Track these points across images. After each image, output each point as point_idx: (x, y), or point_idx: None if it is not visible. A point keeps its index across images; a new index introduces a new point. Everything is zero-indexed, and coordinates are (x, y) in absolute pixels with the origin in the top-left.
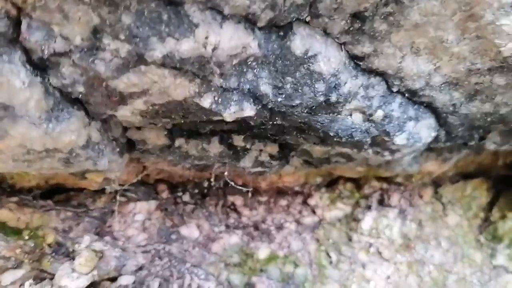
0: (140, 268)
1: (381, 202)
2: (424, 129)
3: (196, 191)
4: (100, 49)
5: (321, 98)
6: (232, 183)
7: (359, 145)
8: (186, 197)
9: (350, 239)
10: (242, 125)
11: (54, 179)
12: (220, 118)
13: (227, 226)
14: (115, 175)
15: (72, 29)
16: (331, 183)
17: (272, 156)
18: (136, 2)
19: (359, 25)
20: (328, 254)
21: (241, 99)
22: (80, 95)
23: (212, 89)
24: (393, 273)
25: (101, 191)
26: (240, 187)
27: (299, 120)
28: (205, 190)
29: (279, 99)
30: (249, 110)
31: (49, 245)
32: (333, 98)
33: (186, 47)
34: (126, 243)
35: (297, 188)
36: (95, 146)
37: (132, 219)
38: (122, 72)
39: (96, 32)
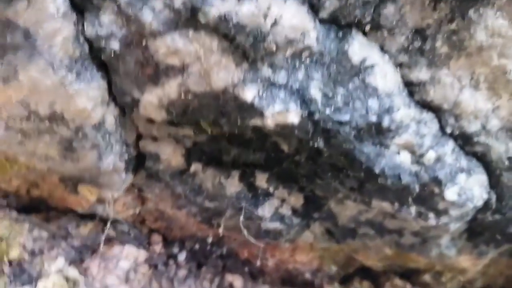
0: None
1: None
2: (477, 187)
3: (196, 248)
4: None
5: (373, 118)
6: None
7: (403, 196)
8: (181, 258)
9: None
10: (271, 156)
11: (38, 188)
12: (258, 123)
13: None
14: (113, 194)
15: None
16: (346, 279)
17: (294, 211)
18: None
19: (419, 43)
20: None
21: (288, 98)
22: (112, 55)
23: (259, 79)
24: None
25: (89, 218)
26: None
27: (343, 146)
28: (203, 257)
29: (327, 111)
30: (294, 114)
31: (10, 263)
32: (386, 122)
33: (246, 10)
34: None
35: (307, 276)
36: (106, 135)
37: (115, 264)
38: (168, 29)
39: None
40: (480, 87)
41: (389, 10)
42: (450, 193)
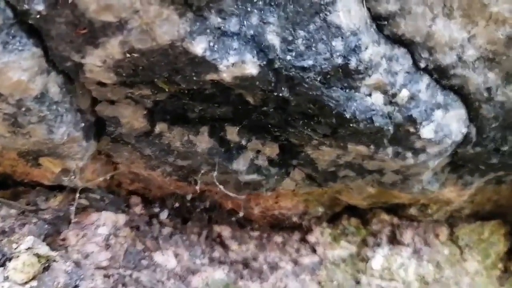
0: None
1: (392, 240)
2: (454, 122)
3: (178, 206)
4: None
5: (339, 60)
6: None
7: (378, 138)
8: (164, 216)
9: (358, 282)
10: (238, 109)
11: (0, 165)
12: (215, 77)
13: (211, 260)
14: (76, 164)
15: None
16: (334, 218)
17: (271, 161)
18: None
19: None
20: None
21: (243, 48)
22: (39, 18)
23: (208, 30)
24: None
25: (58, 189)
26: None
27: (310, 93)
28: (187, 213)
29: (288, 57)
30: (251, 64)
31: None
32: (353, 63)
33: None
34: (82, 260)
35: (295, 219)
36: (52, 106)
37: (93, 232)
38: None
39: None
40: (454, 15)
41: None
42: (426, 131)
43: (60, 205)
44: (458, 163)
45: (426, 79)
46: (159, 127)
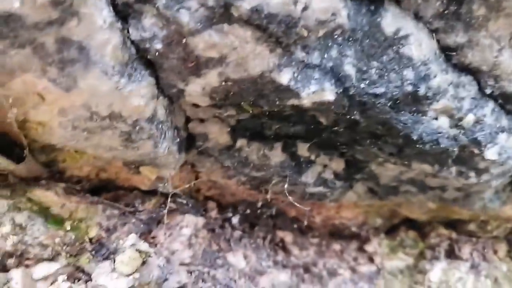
0: (182, 287)
1: (450, 254)
2: None
3: (248, 212)
4: None
5: (409, 88)
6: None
7: (442, 159)
8: (235, 221)
9: None
10: (311, 127)
11: (106, 171)
12: (296, 102)
13: (275, 263)
14: (169, 173)
15: None
16: (391, 230)
17: (336, 175)
18: None
19: (455, 7)
20: None
21: (323, 78)
22: (156, 54)
23: (293, 63)
24: None
25: (152, 194)
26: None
27: (380, 116)
28: (255, 219)
29: (362, 85)
30: (329, 92)
31: (91, 241)
32: (422, 90)
33: (276, 0)
34: (170, 257)
35: (354, 229)
36: (159, 125)
37: (178, 232)
38: (204, 27)
39: None
40: None
41: None
42: (490, 153)
43: (154, 208)
44: None
45: (491, 104)
46: (240, 142)
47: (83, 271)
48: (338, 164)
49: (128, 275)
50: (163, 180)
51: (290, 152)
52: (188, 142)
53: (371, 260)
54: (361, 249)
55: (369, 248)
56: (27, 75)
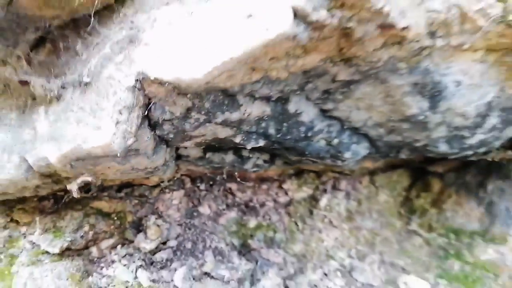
0: (178, 236)
1: (333, 187)
2: (362, 149)
3: (210, 182)
4: (188, 118)
5: (302, 134)
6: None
7: (322, 158)
8: (202, 186)
9: (311, 213)
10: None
11: (128, 179)
12: (242, 147)
13: (227, 205)
14: (167, 176)
15: (176, 108)
16: (299, 173)
17: (265, 161)
18: (212, 96)
19: (327, 95)
20: (296, 224)
21: (258, 137)
22: (170, 138)
23: (242, 132)
24: (340, 235)
25: (155, 186)
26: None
27: (288, 145)
28: (213, 181)
29: (279, 135)
30: (261, 142)
31: (128, 223)
32: (309, 134)
33: (235, 116)
34: (168, 219)
35: (275, 177)
36: (167, 163)
37: (170, 203)
38: (197, 127)
39: (188, 110)
40: (361, 109)
41: (313, 84)
42: (347, 155)
43: (157, 195)
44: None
45: (347, 132)
46: (208, 154)
47: (128, 239)
48: (266, 156)
49: (155, 240)
50: (162, 179)
51: (237, 154)
52: (177, 157)
53: (286, 193)
54: (280, 187)
55: (285, 186)
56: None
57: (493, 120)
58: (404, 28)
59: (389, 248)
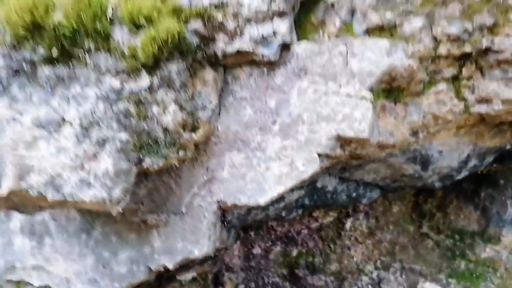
0: (243, 279)
1: (354, 209)
2: (375, 194)
3: (257, 227)
4: (250, 214)
5: (329, 198)
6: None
7: (345, 207)
8: (251, 232)
9: (339, 234)
10: None
11: None
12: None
13: (272, 241)
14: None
15: (239, 212)
16: None
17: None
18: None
19: (343, 171)
20: (329, 246)
21: (297, 209)
22: (236, 225)
23: (285, 209)
24: (365, 250)
25: None
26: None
27: (319, 205)
28: (259, 226)
29: (312, 203)
30: (299, 212)
31: (209, 279)
32: (334, 196)
33: (281, 205)
34: (235, 268)
35: None
36: (234, 238)
37: (233, 253)
38: (255, 217)
39: (249, 211)
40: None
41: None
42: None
43: None
44: None
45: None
46: None
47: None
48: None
49: None
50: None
51: (279, 216)
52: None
53: (316, 220)
54: (310, 215)
55: (314, 214)
56: None
57: (473, 162)
58: (394, 144)
59: (407, 255)
